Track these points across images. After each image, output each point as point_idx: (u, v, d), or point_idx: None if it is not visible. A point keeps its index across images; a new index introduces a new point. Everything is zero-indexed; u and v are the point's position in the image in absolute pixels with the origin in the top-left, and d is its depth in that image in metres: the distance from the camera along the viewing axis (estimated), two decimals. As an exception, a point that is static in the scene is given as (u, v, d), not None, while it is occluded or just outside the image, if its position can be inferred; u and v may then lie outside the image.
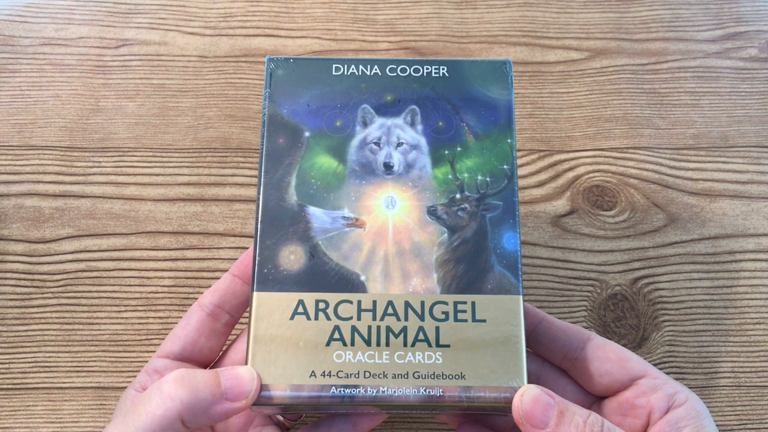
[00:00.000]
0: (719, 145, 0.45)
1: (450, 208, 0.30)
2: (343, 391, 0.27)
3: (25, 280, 0.41)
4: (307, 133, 0.32)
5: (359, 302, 0.29)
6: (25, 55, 0.47)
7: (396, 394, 0.27)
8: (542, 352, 0.33)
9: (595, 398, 0.33)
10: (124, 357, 0.39)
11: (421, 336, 0.28)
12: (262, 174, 0.31)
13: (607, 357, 0.31)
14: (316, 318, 0.29)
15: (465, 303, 0.29)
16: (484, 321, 0.28)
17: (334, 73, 0.33)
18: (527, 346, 0.30)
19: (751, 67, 0.48)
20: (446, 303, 0.29)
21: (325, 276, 0.29)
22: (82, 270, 0.41)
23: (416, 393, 0.27)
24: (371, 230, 0.30)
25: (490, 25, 0.49)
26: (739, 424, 0.38)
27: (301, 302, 0.29)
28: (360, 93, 0.32)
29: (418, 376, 0.27)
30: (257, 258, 0.30)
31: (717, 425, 0.33)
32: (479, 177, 0.31)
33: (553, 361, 0.33)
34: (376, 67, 0.33)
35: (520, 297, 0.29)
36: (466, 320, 0.28)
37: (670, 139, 0.45)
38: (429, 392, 0.27)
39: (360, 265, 0.30)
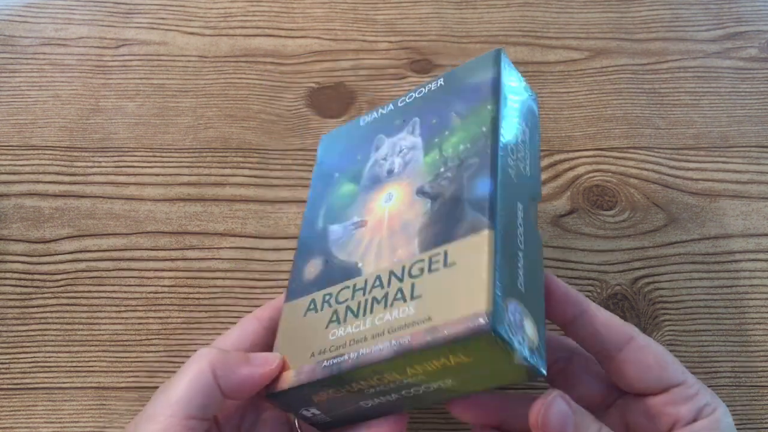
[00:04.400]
0: (719, 145, 0.45)
1: (435, 182, 0.31)
2: (333, 362, 0.28)
3: (25, 280, 0.41)
4: (336, 174, 0.36)
5: (354, 285, 0.30)
6: (25, 55, 0.47)
7: (372, 352, 0.27)
8: (579, 341, 0.32)
9: (621, 392, 0.32)
10: (124, 357, 0.39)
11: (398, 295, 0.28)
12: (305, 217, 0.35)
13: (647, 363, 0.30)
14: (322, 309, 0.31)
15: (439, 254, 0.28)
16: (455, 264, 0.27)
17: (361, 124, 0.37)
18: (566, 335, 0.31)
19: (751, 67, 0.48)
20: (422, 260, 0.29)
21: (333, 274, 0.32)
22: (82, 270, 0.41)
23: (389, 346, 0.27)
24: (371, 225, 0.32)
25: (490, 25, 0.49)
26: (739, 424, 0.38)
27: (312, 301, 0.31)
28: (377, 130, 0.36)
29: (392, 330, 0.27)
30: (291, 279, 0.33)
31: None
32: (461, 146, 0.31)
33: (588, 351, 0.32)
34: (390, 105, 0.37)
35: (488, 230, 0.27)
36: (438, 269, 0.28)
37: (670, 139, 0.45)
38: (399, 341, 0.27)
39: (359, 255, 0.31)
